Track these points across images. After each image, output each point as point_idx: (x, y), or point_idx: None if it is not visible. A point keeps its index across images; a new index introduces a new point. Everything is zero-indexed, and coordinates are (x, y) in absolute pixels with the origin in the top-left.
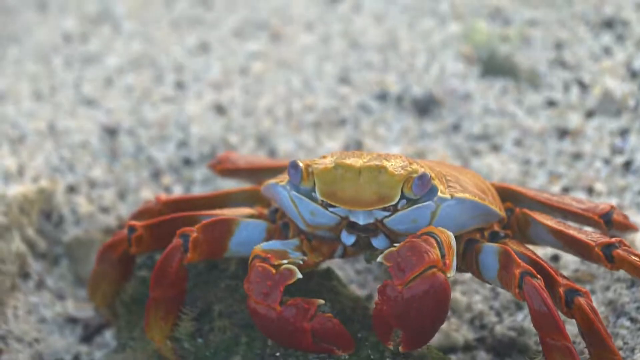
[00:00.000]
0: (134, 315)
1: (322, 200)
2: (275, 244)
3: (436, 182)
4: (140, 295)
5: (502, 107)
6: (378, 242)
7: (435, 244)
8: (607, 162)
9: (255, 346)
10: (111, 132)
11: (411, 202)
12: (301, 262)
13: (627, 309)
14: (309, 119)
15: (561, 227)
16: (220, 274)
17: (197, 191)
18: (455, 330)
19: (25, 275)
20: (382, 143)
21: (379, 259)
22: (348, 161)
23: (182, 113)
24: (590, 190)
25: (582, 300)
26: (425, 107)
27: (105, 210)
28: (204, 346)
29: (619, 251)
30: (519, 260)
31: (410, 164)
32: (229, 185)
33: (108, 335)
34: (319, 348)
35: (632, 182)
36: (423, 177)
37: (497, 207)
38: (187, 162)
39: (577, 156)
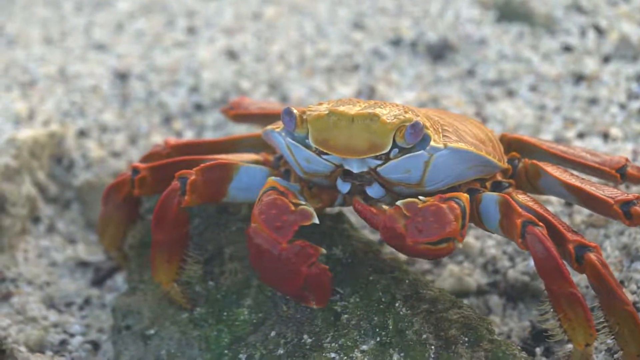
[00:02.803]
0: (144, 259)
1: (316, 148)
2: (285, 182)
3: (430, 131)
4: (149, 238)
5: (518, 53)
6: (373, 190)
7: (459, 214)
8: (623, 107)
9: (266, 288)
10: (122, 76)
11: (404, 151)
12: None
13: None
14: (322, 64)
15: (576, 183)
16: (231, 217)
17: (209, 136)
18: (468, 275)
19: (35, 219)
20: (396, 89)
21: (399, 203)
22: (341, 109)
23: (194, 58)
24: (605, 136)
25: (592, 255)
26: (439, 52)
27: (116, 154)
28: (215, 289)
29: (637, 208)
30: (520, 210)
31: (405, 112)
32: (241, 130)
33: (119, 279)
34: (299, 294)
35: None
36: (416, 126)
37: (495, 158)
38: (199, 107)
39: (592, 101)
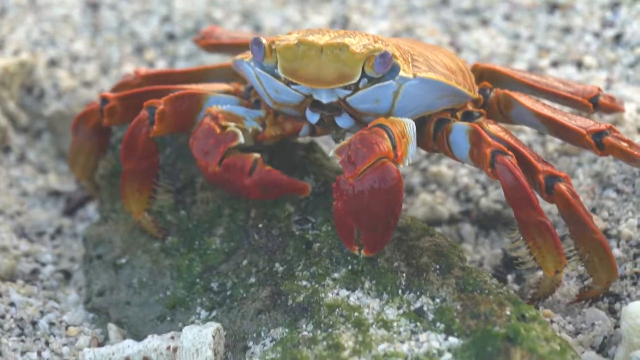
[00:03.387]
0: (116, 188)
1: (285, 78)
2: (236, 109)
3: (399, 61)
4: (121, 168)
5: None
6: (342, 121)
7: (385, 135)
8: (597, 35)
9: (238, 217)
10: (93, 5)
11: (373, 80)
12: (253, 130)
13: (614, 180)
14: None
15: (548, 113)
16: None
17: (181, 66)
18: (440, 203)
19: (6, 149)
20: (370, 18)
21: (331, 153)
22: (310, 38)
23: None
24: (579, 64)
25: (562, 185)
26: None
27: (87, 84)
28: (186, 218)
29: (609, 138)
30: (489, 139)
31: (375, 42)
32: (214, 60)
33: (90, 209)
34: (274, 194)
35: (621, 55)
36: (385, 56)
37: (465, 88)
38: (171, 37)
39: (567, 30)
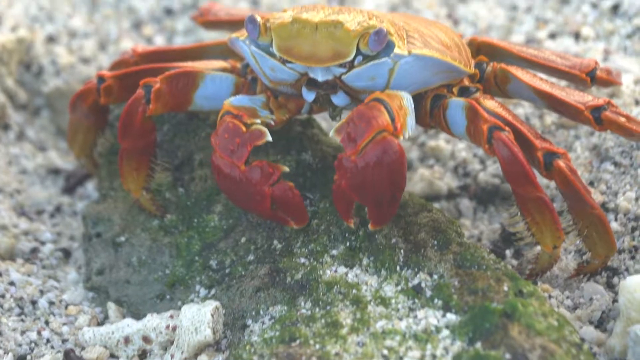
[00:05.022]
0: (114, 166)
1: (280, 56)
2: (243, 100)
3: (394, 38)
4: (119, 146)
5: None
6: (338, 99)
7: (383, 109)
8: (594, 6)
9: None
10: None
11: (368, 58)
12: (272, 122)
13: (611, 153)
14: None
15: (546, 88)
16: (201, 122)
17: (179, 42)
18: (438, 178)
19: (5, 126)
20: None
21: (331, 134)
22: (305, 16)
23: None
24: (577, 36)
25: (560, 162)
26: None
27: (85, 60)
28: (185, 195)
29: (608, 113)
30: (486, 115)
31: (369, 19)
32: (212, 37)
33: (90, 187)
34: (274, 215)
35: (619, 26)
36: (379, 33)
37: (461, 63)
38: (169, 12)
39: (564, 1)
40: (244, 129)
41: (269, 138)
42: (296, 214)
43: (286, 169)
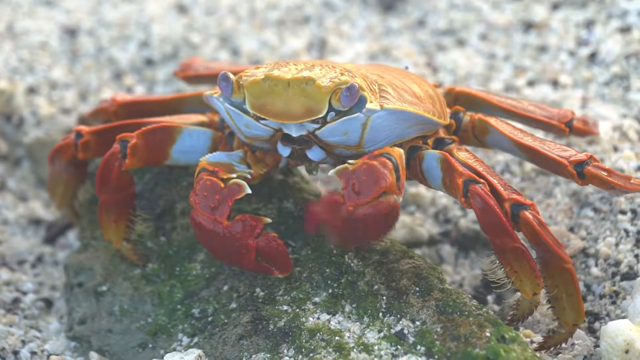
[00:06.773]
0: (95, 216)
1: (254, 113)
2: (220, 156)
3: (366, 93)
4: None
5: (468, 2)
6: (313, 153)
7: (392, 167)
8: (572, 54)
9: None
10: (71, 32)
11: (340, 114)
12: (249, 176)
13: (591, 199)
14: (273, 17)
15: (528, 142)
16: (183, 172)
17: (160, 91)
18: (419, 225)
19: None
20: (347, 40)
21: (331, 173)
22: (277, 73)
23: (143, 13)
24: (555, 83)
25: (527, 213)
26: (390, 3)
27: (66, 111)
28: (167, 244)
29: (590, 168)
30: (460, 168)
31: (341, 74)
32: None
33: (71, 236)
34: (258, 267)
35: (597, 74)
36: (351, 89)
37: (434, 115)
38: (149, 62)
39: (542, 49)
40: (222, 185)
41: (248, 190)
42: (281, 263)
43: (269, 220)
